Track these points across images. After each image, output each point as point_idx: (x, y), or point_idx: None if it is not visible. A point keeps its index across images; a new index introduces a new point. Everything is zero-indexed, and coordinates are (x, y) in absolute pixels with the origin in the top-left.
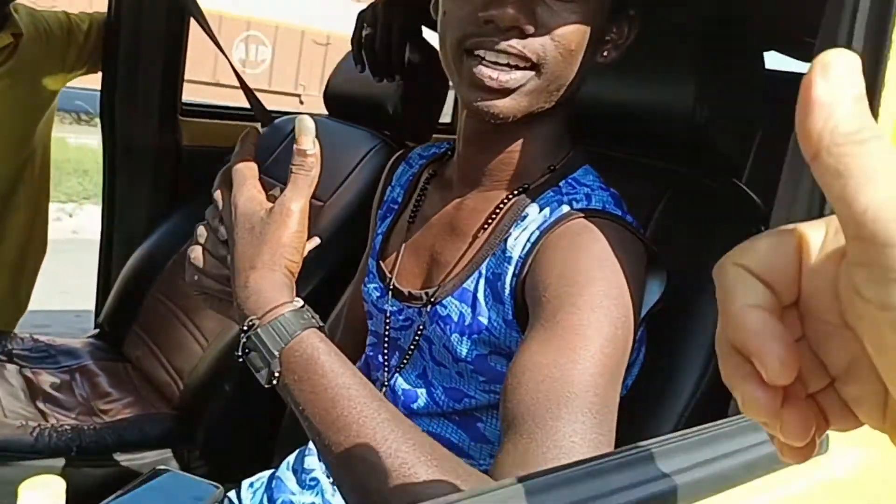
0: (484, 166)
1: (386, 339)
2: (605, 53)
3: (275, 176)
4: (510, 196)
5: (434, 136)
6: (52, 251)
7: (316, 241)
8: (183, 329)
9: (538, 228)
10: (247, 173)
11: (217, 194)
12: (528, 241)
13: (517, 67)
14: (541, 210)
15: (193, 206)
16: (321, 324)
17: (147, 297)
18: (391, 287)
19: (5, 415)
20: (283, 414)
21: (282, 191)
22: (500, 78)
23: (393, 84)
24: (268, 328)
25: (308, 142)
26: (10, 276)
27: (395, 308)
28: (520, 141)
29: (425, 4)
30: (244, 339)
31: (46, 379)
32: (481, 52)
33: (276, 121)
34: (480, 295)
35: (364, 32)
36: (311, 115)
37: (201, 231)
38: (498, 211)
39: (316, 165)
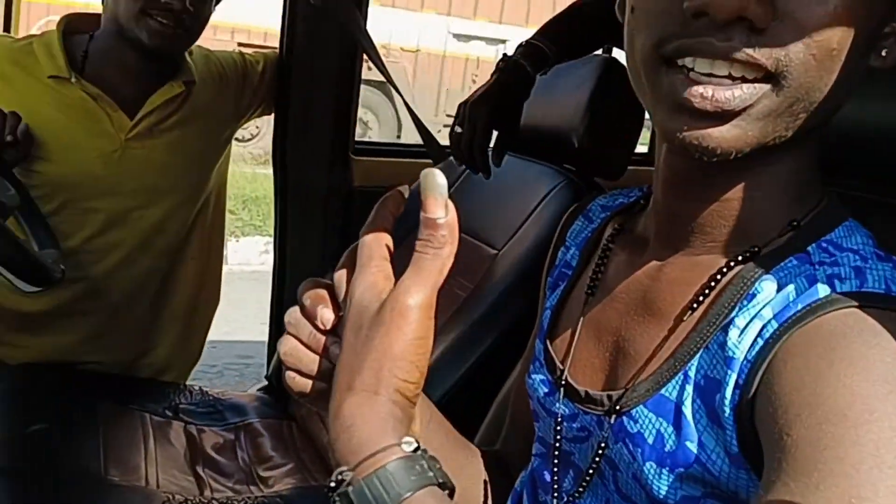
0: (691, 220)
1: (556, 451)
2: (883, 53)
3: None
4: (731, 264)
5: (630, 167)
6: None
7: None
8: None
9: (776, 319)
10: (374, 251)
11: (337, 276)
12: (759, 336)
13: (744, 80)
14: (780, 289)
15: None
16: (442, 478)
17: None
18: (563, 382)
19: (158, 484)
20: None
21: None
22: (718, 96)
23: (579, 110)
24: (363, 487)
25: (438, 206)
26: (181, 327)
27: (567, 411)
28: (744, 185)
29: (513, 102)
30: (332, 501)
31: (210, 438)
32: (688, 61)
33: (451, 157)
34: (688, 409)
35: (455, 130)
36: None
37: (295, 319)
38: (713, 285)
39: (450, 241)
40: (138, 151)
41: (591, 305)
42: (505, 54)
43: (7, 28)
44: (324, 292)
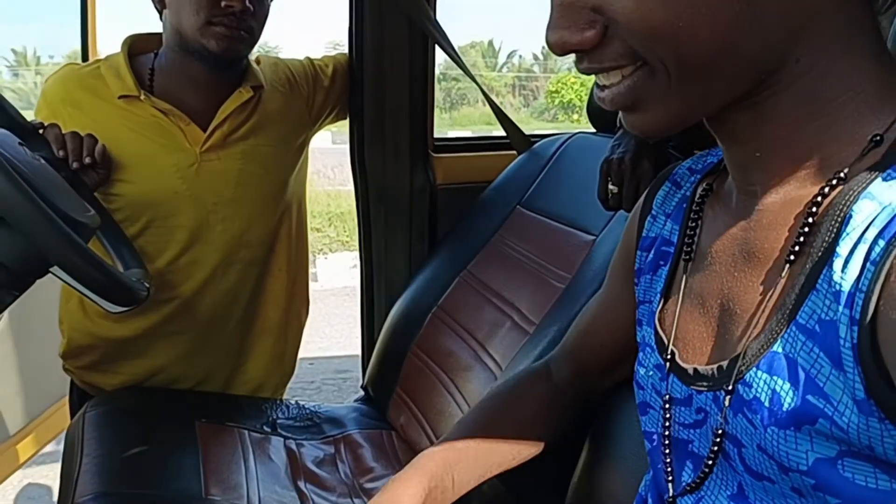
0: (760, 165)
1: (666, 440)
2: None
3: (535, 209)
4: (819, 196)
5: None
6: None
7: None
8: (445, 392)
9: (882, 237)
10: None
11: None
12: (867, 260)
13: (622, 80)
14: (879, 206)
15: (450, 250)
16: None
17: (408, 356)
18: (669, 361)
19: (260, 501)
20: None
21: None
22: (605, 97)
23: None
24: None
25: None
26: (273, 340)
27: (680, 395)
28: (777, 117)
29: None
30: None
31: (310, 453)
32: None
33: (536, 146)
34: (804, 360)
35: (609, 187)
36: (576, 133)
37: None
38: (808, 220)
39: None
40: (215, 163)
41: (691, 273)
42: None
43: (85, 59)
44: None
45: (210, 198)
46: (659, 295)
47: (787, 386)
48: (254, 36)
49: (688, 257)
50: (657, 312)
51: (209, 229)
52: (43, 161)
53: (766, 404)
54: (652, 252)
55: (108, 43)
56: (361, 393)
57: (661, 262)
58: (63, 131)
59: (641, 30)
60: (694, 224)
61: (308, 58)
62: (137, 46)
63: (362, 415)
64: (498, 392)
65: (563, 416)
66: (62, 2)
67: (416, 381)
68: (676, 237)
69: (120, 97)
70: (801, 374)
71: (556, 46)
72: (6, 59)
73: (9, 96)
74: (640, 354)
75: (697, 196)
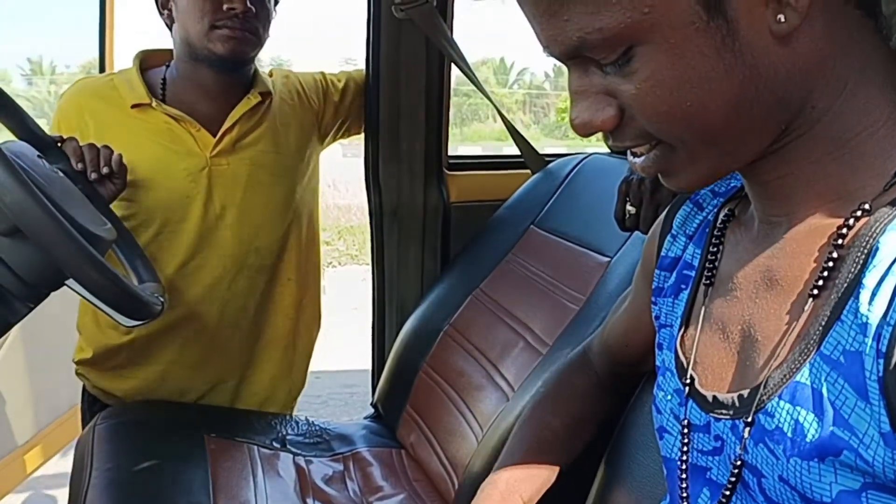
0: (784, 194)
1: (683, 465)
2: (780, 18)
3: (549, 229)
4: (845, 227)
5: None
6: None
7: None
8: (456, 412)
9: None
10: None
11: None
12: (895, 292)
13: (649, 151)
14: None
15: (463, 268)
16: None
17: (419, 374)
18: (688, 386)
19: None
20: None
21: None
22: (637, 166)
23: None
24: None
25: None
26: (282, 352)
27: (699, 421)
28: (818, 151)
29: None
30: None
31: (319, 469)
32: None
33: (550, 165)
34: (828, 391)
35: (627, 208)
36: (590, 153)
37: None
38: (833, 251)
39: None
40: (224, 167)
41: (711, 299)
42: None
43: (102, 68)
44: None
45: (219, 202)
46: (680, 319)
47: (811, 417)
48: (259, 37)
49: (709, 283)
50: (678, 337)
51: (218, 234)
52: (61, 174)
53: (790, 435)
54: (673, 275)
55: (125, 58)
56: (370, 409)
57: (683, 286)
58: (81, 143)
59: (651, 115)
60: (716, 249)
61: (322, 72)
62: (149, 61)
63: (372, 432)
64: (547, 396)
65: (605, 408)
66: (78, 11)
67: (426, 400)
68: (698, 261)
69: (133, 106)
70: (826, 406)
71: (581, 128)
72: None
73: (23, 104)
74: (660, 378)
75: (720, 221)
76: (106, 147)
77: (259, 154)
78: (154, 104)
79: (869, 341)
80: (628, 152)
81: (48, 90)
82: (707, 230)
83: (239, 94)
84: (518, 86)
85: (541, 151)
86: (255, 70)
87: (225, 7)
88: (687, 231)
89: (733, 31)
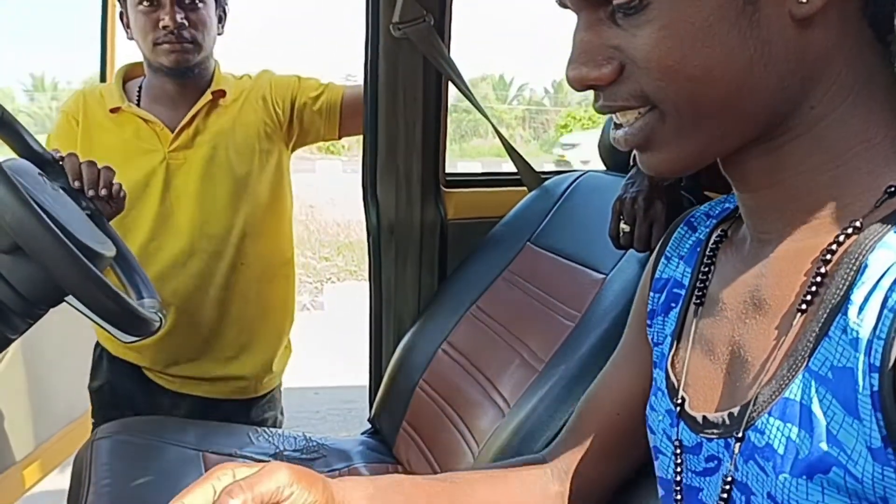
0: (773, 211)
1: (677, 487)
2: None
3: (545, 246)
4: (834, 245)
5: None
6: None
7: None
8: (452, 428)
9: None
10: None
11: None
12: (884, 307)
13: (637, 118)
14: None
15: (460, 285)
16: None
17: (415, 391)
18: (680, 408)
19: None
20: None
21: None
22: (618, 137)
23: None
24: None
25: None
26: (248, 336)
27: (690, 442)
28: (793, 163)
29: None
30: None
31: None
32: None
33: (546, 183)
34: (817, 407)
35: (621, 226)
36: (586, 171)
37: None
38: (820, 269)
39: None
40: (181, 161)
41: (701, 318)
42: None
43: (104, 61)
44: None
45: (174, 191)
46: (670, 338)
47: (802, 433)
48: (198, 44)
49: (699, 302)
50: (668, 356)
51: (173, 219)
52: (61, 191)
53: (780, 451)
54: (664, 293)
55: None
56: (368, 425)
57: (673, 304)
58: (80, 160)
59: (657, 68)
60: (707, 269)
61: (298, 77)
62: (132, 72)
63: (369, 448)
64: (484, 467)
65: None
66: (80, 28)
67: (423, 417)
68: (688, 280)
69: (111, 110)
70: (815, 422)
71: (576, 81)
72: (23, 83)
73: (24, 120)
74: (652, 398)
75: (712, 242)
76: (107, 168)
77: (212, 150)
78: (125, 107)
79: (861, 357)
80: (612, 125)
81: (49, 105)
82: (699, 249)
83: (198, 96)
84: (518, 101)
85: (541, 168)
86: (213, 72)
87: (160, 25)
88: (680, 252)
89: (755, 0)
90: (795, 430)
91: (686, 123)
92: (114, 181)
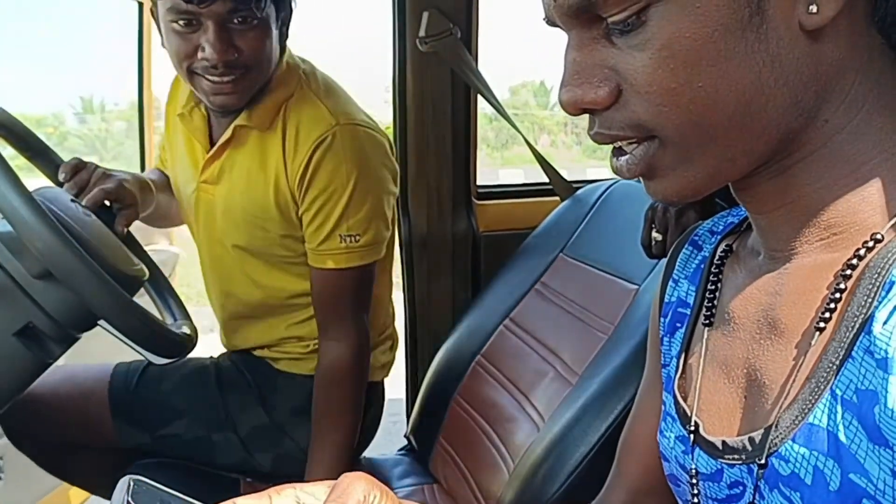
0: (791, 226)
1: None
2: (812, 9)
3: (578, 256)
4: (854, 260)
5: None
6: None
7: None
8: (487, 443)
9: None
10: None
11: None
12: None
13: (636, 147)
14: None
15: (493, 297)
16: None
17: (451, 406)
18: (692, 432)
19: None
20: None
21: None
22: (620, 166)
23: None
24: None
25: None
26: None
27: (709, 469)
28: (830, 175)
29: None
30: None
31: None
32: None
33: (578, 192)
34: (843, 433)
35: (653, 235)
36: (618, 179)
37: None
38: (841, 286)
39: None
40: (209, 196)
41: (712, 339)
42: None
43: (141, 108)
44: None
45: (203, 226)
46: (675, 359)
47: (829, 463)
48: (250, 80)
49: (708, 322)
50: (675, 379)
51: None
52: (93, 217)
53: (808, 482)
54: (669, 315)
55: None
56: (404, 442)
57: (678, 324)
58: (93, 178)
59: (658, 93)
60: (713, 287)
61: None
62: None
63: (406, 467)
64: None
65: None
66: (125, 48)
67: (459, 432)
68: (693, 298)
69: (178, 115)
70: (842, 450)
71: (570, 104)
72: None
73: (75, 142)
74: (662, 423)
75: (717, 257)
76: (105, 176)
77: (230, 190)
78: (181, 111)
79: (890, 377)
80: (612, 154)
81: (99, 127)
82: (703, 267)
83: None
84: (559, 107)
85: (584, 173)
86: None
87: (199, 56)
88: (686, 272)
89: (762, 11)
90: (823, 459)
91: (691, 148)
92: (109, 189)
